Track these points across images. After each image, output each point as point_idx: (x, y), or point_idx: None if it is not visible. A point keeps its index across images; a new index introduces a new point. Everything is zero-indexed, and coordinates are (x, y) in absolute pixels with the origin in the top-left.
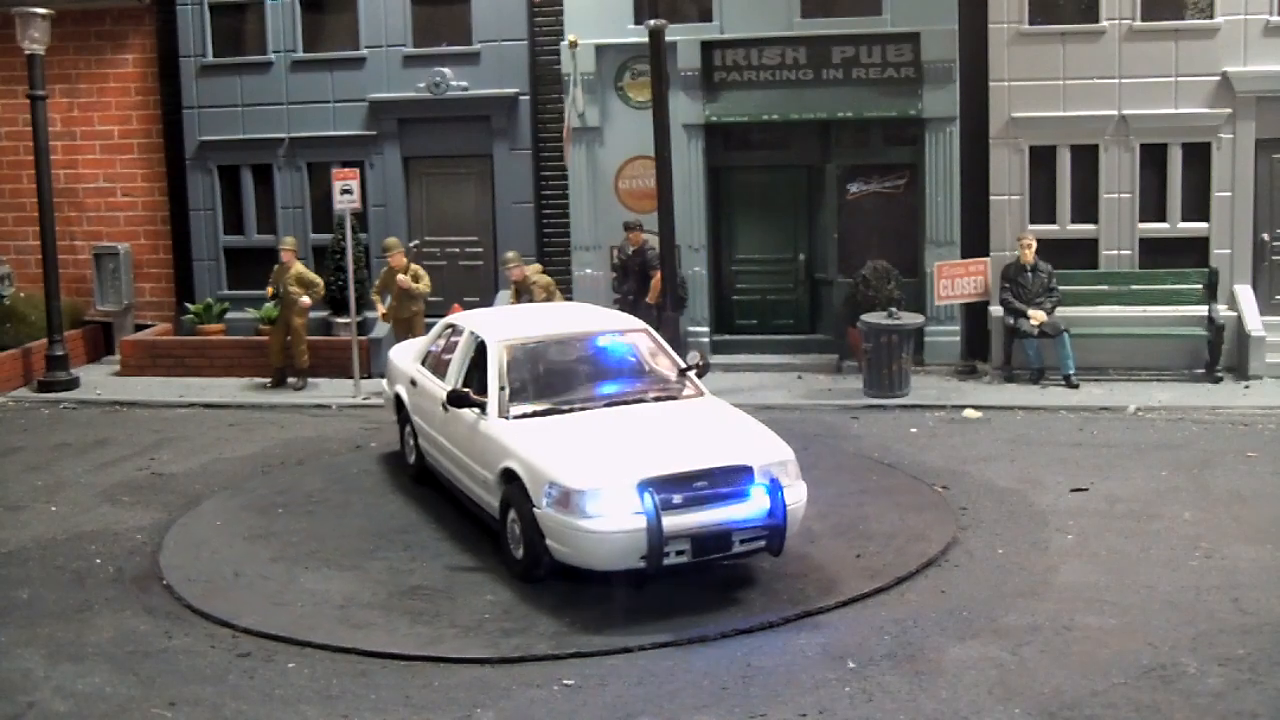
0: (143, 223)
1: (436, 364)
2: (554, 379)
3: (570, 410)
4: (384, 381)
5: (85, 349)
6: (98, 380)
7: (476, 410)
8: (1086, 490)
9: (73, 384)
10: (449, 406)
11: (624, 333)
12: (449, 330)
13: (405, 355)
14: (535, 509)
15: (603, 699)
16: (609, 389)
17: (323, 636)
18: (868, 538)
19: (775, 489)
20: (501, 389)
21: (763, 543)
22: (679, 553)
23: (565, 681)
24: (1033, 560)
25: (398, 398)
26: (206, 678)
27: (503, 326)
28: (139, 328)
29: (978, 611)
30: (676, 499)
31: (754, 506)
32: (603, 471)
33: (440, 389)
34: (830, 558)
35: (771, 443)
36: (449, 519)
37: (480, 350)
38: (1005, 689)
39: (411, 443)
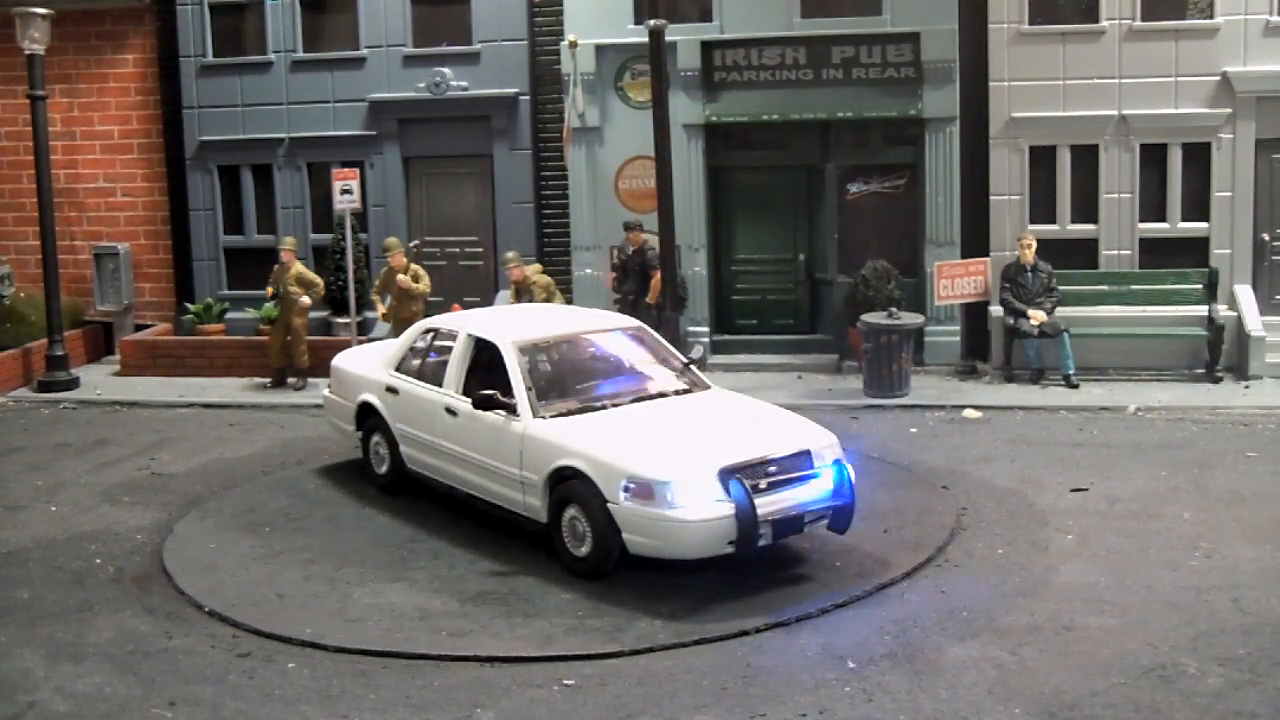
0: (143, 223)
1: (422, 370)
2: (571, 378)
3: (603, 407)
4: (326, 392)
5: (85, 349)
6: (98, 380)
7: (502, 413)
8: (1086, 490)
9: (73, 384)
10: (477, 410)
11: (622, 330)
12: (430, 335)
13: (365, 363)
14: (610, 504)
15: (603, 699)
16: (627, 385)
17: (443, 648)
18: (871, 535)
19: (841, 469)
20: (529, 389)
21: (825, 522)
22: (759, 536)
23: (565, 681)
24: (1033, 560)
25: (363, 407)
26: (206, 678)
27: (508, 328)
28: (139, 328)
29: (978, 611)
30: (762, 484)
31: (822, 487)
32: (682, 462)
33: (440, 395)
34: (863, 539)
35: (814, 427)
36: (452, 526)
37: (482, 353)
38: (1005, 689)
39: (382, 452)
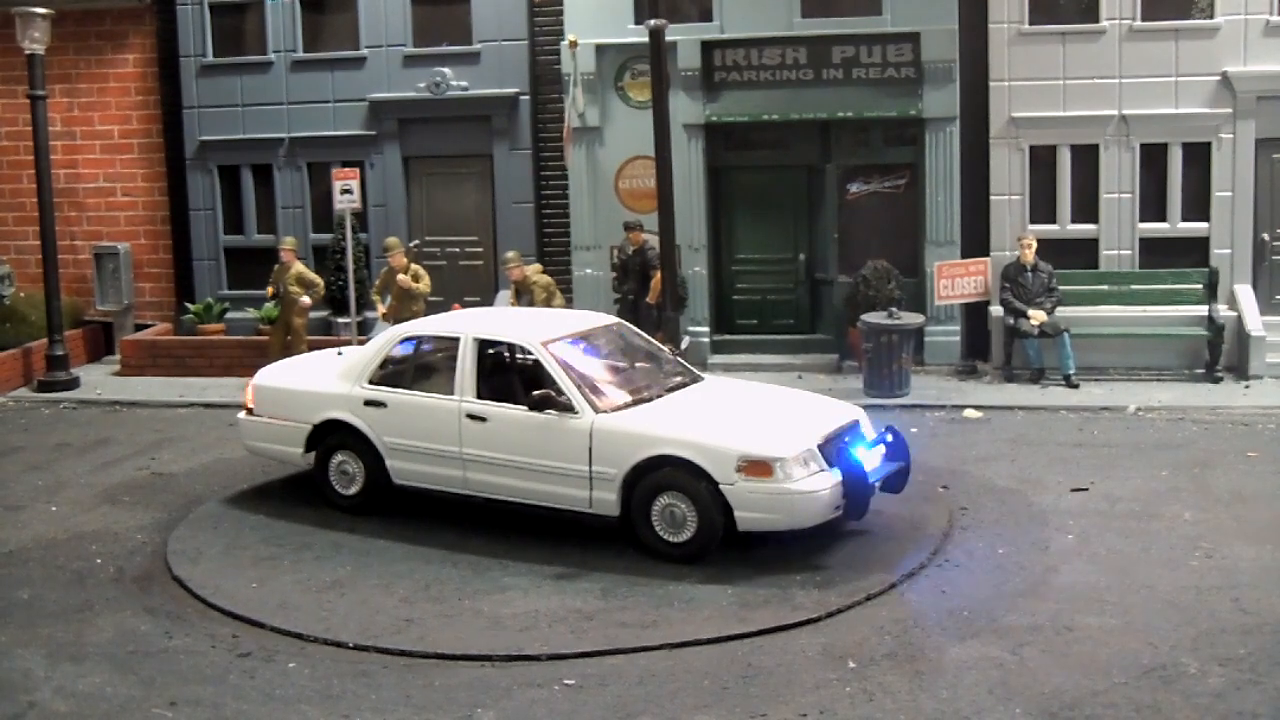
0: (143, 222)
1: (412, 379)
2: (600, 373)
3: (650, 399)
4: (245, 416)
5: (85, 349)
6: (98, 380)
7: (554, 412)
8: (1087, 490)
9: (73, 384)
10: (532, 411)
11: (609, 327)
12: (410, 342)
13: (312, 379)
14: (723, 485)
15: (603, 699)
16: (647, 378)
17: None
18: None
19: (897, 435)
20: (579, 386)
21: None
22: (869, 499)
23: (566, 681)
24: (1033, 560)
25: (324, 426)
26: (207, 678)
27: (524, 329)
28: (139, 327)
29: (978, 611)
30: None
31: (881, 451)
32: (788, 438)
33: (453, 402)
34: (864, 538)
35: (841, 401)
36: (472, 534)
37: (487, 356)
38: (1006, 689)
39: (351, 470)
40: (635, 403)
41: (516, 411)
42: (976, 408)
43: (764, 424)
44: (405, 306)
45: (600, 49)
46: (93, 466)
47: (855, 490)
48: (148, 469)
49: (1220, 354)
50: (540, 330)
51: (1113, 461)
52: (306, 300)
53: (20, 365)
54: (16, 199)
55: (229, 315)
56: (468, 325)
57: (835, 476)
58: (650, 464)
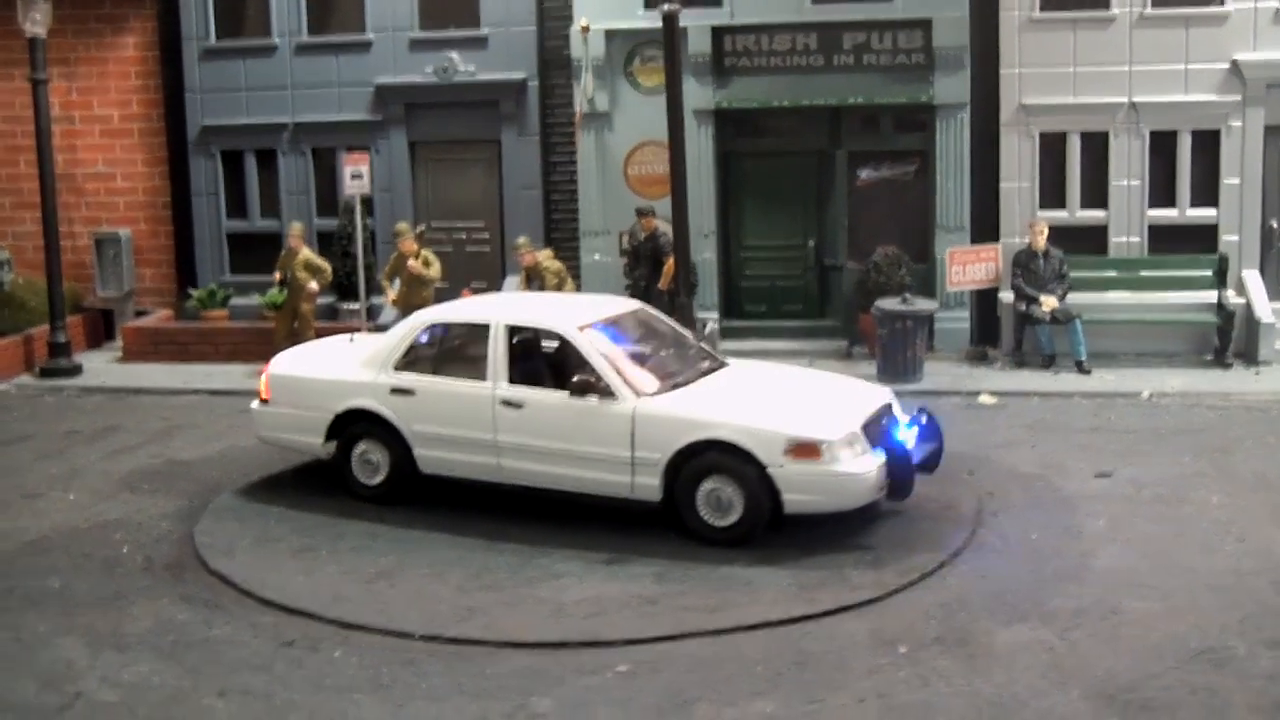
0: (143, 208)
1: (441, 365)
2: (634, 358)
3: (688, 383)
4: (259, 405)
5: (85, 335)
6: (100, 367)
7: (594, 397)
8: (1110, 475)
9: (75, 371)
10: (574, 395)
11: (634, 312)
12: (439, 328)
13: (332, 367)
14: (771, 468)
15: (657, 685)
16: (679, 362)
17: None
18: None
19: (931, 416)
20: (618, 372)
21: None
22: (913, 480)
23: (619, 668)
24: (1067, 545)
25: (346, 415)
26: (254, 667)
27: (557, 314)
28: (139, 314)
29: (1021, 595)
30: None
31: (914, 432)
32: (833, 421)
33: (486, 389)
34: (897, 523)
35: (871, 384)
36: (506, 522)
37: (516, 342)
38: (1059, 672)
39: (376, 459)
40: (673, 387)
41: (555, 397)
42: (992, 393)
43: (807, 407)
44: (415, 292)
45: (610, 34)
46: (105, 454)
47: (899, 471)
48: (162, 456)
49: (1230, 340)
50: (573, 316)
51: (1133, 447)
52: (314, 286)
53: (21, 352)
54: (14, 184)
55: (233, 302)
56: (497, 311)
57: (880, 458)
58: (695, 448)
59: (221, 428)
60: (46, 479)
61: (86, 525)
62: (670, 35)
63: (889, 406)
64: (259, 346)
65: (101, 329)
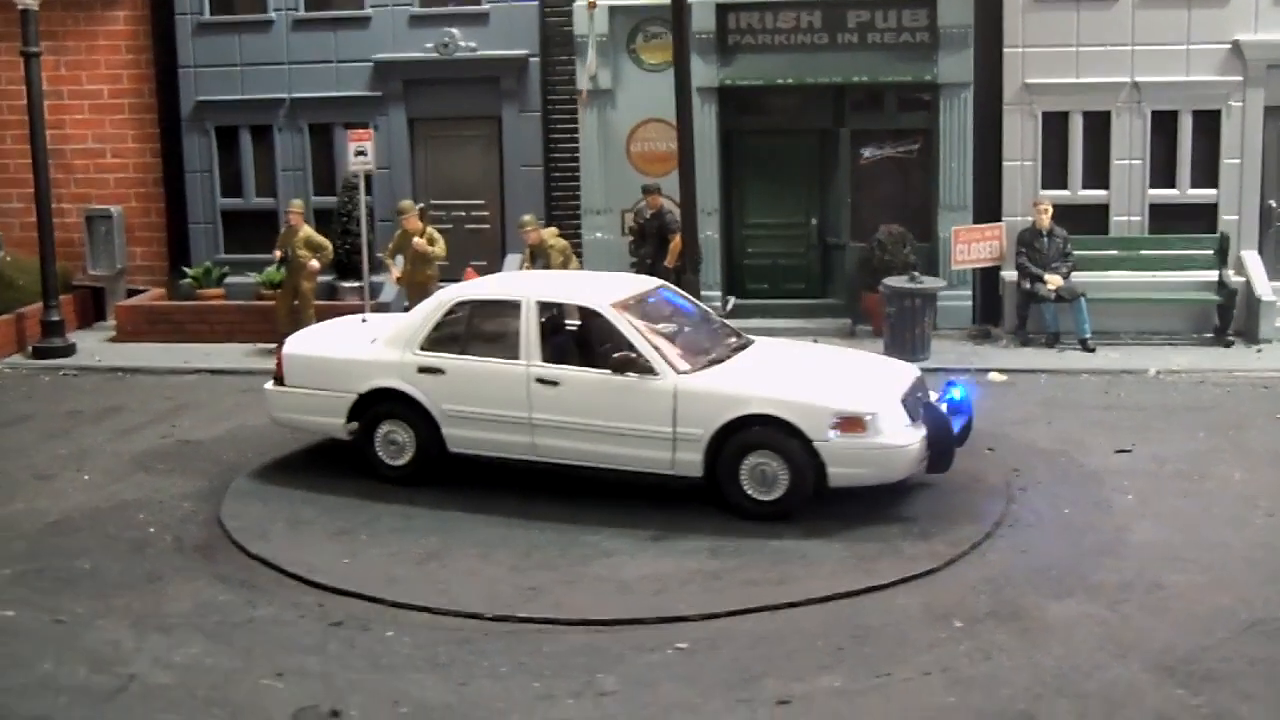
0: (134, 185)
1: (470, 344)
2: (668, 334)
3: (724, 359)
4: (274, 386)
5: (75, 314)
6: (94, 346)
7: (634, 374)
8: (1130, 451)
9: (69, 350)
10: (616, 372)
11: (661, 289)
12: (467, 306)
13: (353, 347)
14: (816, 442)
15: (720, 661)
16: (711, 339)
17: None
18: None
19: (962, 387)
20: (656, 348)
21: None
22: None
23: (678, 645)
24: (1100, 520)
25: (371, 395)
26: (306, 648)
27: (590, 291)
28: (131, 293)
29: (1065, 570)
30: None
31: (947, 406)
32: (876, 394)
33: (520, 367)
34: (930, 497)
35: (899, 360)
36: (539, 501)
37: (547, 319)
38: (1116, 645)
39: (401, 440)
40: (711, 363)
41: (593, 375)
42: (1001, 371)
43: (849, 381)
44: (419, 270)
45: (614, 10)
46: (112, 434)
47: (941, 442)
48: (171, 436)
49: (1231, 318)
50: (605, 292)
51: (1147, 424)
52: (315, 264)
53: (13, 331)
54: (1, 160)
55: (228, 280)
56: (527, 288)
57: (921, 430)
58: (738, 423)
59: (228, 406)
60: (56, 460)
61: (108, 506)
62: (679, 12)
63: (921, 380)
64: (256, 325)
65: (92, 308)
